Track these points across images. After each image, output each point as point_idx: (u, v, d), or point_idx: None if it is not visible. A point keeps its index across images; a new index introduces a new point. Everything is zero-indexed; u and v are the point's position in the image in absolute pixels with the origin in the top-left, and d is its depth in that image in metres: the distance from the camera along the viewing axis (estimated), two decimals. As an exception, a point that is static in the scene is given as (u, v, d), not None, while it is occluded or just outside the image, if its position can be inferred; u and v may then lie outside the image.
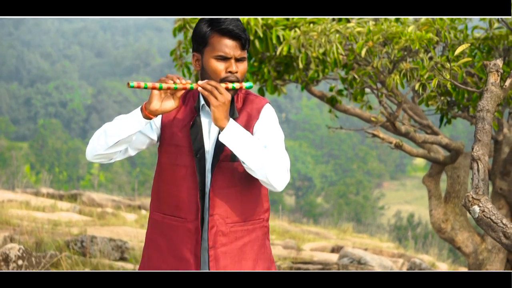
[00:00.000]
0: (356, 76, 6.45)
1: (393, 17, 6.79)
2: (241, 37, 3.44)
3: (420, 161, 68.16)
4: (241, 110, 3.54)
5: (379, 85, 6.76)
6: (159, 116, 3.57)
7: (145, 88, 3.33)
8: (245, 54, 3.50)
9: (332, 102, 7.18)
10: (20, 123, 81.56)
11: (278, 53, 6.44)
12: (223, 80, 3.45)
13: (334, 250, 12.67)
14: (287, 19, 6.67)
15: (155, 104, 3.37)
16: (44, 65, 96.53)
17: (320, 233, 16.80)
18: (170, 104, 3.40)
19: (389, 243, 16.27)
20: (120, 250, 10.00)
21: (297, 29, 6.45)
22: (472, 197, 3.58)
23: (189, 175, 3.50)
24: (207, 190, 3.50)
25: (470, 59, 5.27)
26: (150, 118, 3.43)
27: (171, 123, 3.56)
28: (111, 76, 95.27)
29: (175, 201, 3.53)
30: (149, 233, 3.67)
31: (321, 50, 6.37)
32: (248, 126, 3.50)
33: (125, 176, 60.71)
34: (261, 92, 7.20)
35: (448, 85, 5.97)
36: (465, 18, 6.41)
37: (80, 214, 14.87)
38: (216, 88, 3.35)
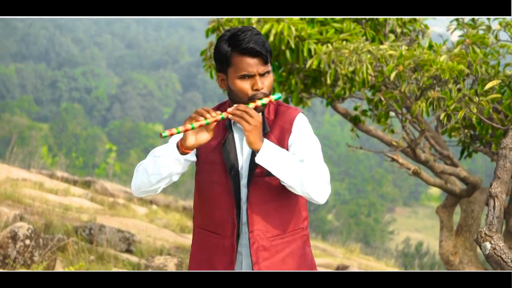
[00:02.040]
0: (382, 99, 6.44)
1: (426, 44, 6.78)
2: (261, 54, 3.40)
3: (435, 191, 67.87)
4: (273, 123, 3.52)
5: (404, 110, 6.75)
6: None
7: (178, 133, 3.32)
8: (269, 67, 3.45)
9: (355, 121, 7.18)
10: (43, 104, 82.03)
11: (307, 66, 6.45)
12: (251, 98, 3.43)
13: (339, 268, 12.62)
14: (321, 34, 6.68)
15: (191, 140, 3.37)
16: (74, 50, 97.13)
17: (327, 250, 16.76)
18: (205, 136, 3.38)
19: (395, 268, 16.21)
20: (127, 242, 10.02)
21: (329, 45, 6.45)
22: (485, 233, 3.57)
23: (225, 192, 3.49)
24: (243, 206, 3.49)
25: (499, 95, 5.27)
26: (187, 153, 3.43)
27: (207, 142, 3.52)
28: (139, 68, 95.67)
29: (212, 218, 3.53)
30: (192, 247, 3.68)
31: (351, 68, 6.37)
32: (282, 139, 3.49)
33: (140, 170, 60.77)
34: (285, 102, 7.21)
35: (474, 119, 5.95)
36: (499, 54, 6.40)
37: (91, 201, 14.92)
38: (246, 112, 3.32)
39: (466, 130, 6.70)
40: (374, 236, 52.97)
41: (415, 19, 7.10)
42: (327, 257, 15.10)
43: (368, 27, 6.99)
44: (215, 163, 3.50)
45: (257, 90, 3.42)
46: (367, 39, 6.90)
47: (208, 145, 3.53)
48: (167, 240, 11.67)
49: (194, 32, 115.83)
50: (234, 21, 6.84)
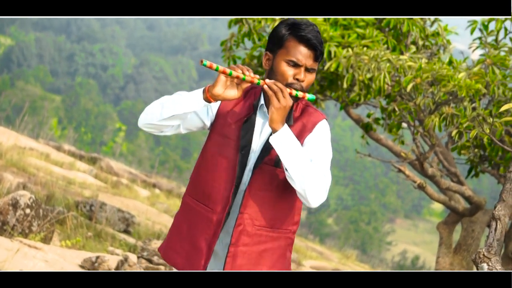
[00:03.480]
0: (396, 109, 6.43)
1: (445, 59, 6.76)
2: (317, 48, 3.46)
3: (437, 207, 67.77)
4: (297, 119, 3.55)
5: (416, 123, 6.74)
6: (217, 104, 3.61)
7: (216, 70, 3.34)
8: (316, 66, 3.50)
9: (366, 128, 7.17)
10: (58, 76, 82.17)
11: (325, 68, 6.44)
12: (288, 86, 3.46)
13: (333, 273, 12.61)
14: (342, 37, 6.67)
15: (219, 89, 3.39)
16: (95, 26, 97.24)
17: (323, 253, 16.76)
18: (233, 93, 3.42)
19: (389, 279, 16.15)
20: (126, 222, 10.03)
21: (350, 49, 6.44)
22: (484, 254, 3.56)
23: (230, 168, 3.52)
24: (242, 187, 3.52)
25: (513, 118, 5.24)
26: (210, 102, 3.45)
27: (227, 114, 3.59)
28: (157, 51, 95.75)
29: (209, 190, 3.56)
30: (177, 214, 3.73)
31: (369, 75, 6.35)
32: (300, 137, 3.51)
33: (147, 152, 60.97)
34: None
35: (485, 139, 5.93)
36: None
37: (95, 178, 14.95)
38: (281, 91, 3.37)
39: (476, 150, 6.68)
40: (372, 244, 52.93)
41: (438, 33, 7.08)
42: (323, 260, 15.10)
43: (390, 36, 6.97)
44: (230, 138, 3.54)
45: (297, 80, 3.47)
46: (388, 48, 6.89)
47: (229, 118, 3.57)
48: (165, 225, 11.68)
49: (216, 21, 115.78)
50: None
